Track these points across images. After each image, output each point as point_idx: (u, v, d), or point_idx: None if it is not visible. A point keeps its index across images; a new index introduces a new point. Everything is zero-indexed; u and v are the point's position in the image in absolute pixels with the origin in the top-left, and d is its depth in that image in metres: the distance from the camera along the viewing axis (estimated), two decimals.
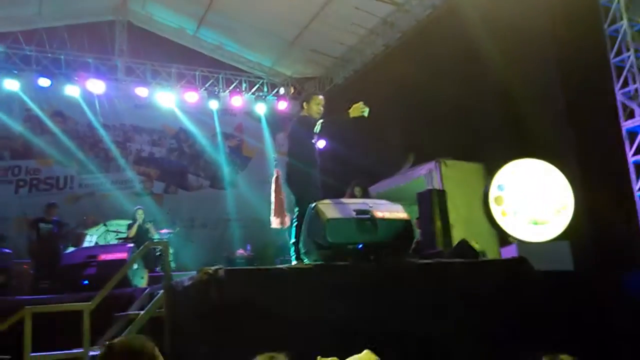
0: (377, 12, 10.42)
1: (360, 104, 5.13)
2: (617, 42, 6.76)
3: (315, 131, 5.26)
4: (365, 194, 7.53)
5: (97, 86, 11.22)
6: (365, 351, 2.13)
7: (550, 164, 6.23)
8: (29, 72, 11.01)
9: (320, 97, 5.53)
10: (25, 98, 11.02)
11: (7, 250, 6.70)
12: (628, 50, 6.64)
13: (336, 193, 7.60)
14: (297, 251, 5.08)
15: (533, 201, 6.04)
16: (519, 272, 4.75)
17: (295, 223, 5.18)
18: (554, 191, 6.08)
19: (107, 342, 1.94)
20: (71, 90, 11.19)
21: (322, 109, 5.43)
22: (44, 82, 10.88)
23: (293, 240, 5.17)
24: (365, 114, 5.13)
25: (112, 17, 11.98)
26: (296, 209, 5.22)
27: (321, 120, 5.27)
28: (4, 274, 5.96)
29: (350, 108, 5.13)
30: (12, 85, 10.71)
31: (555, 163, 6.24)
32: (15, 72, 10.86)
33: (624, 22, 6.67)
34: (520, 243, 5.76)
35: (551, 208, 6.00)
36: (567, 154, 6.87)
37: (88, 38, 11.62)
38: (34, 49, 11.09)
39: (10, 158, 10.98)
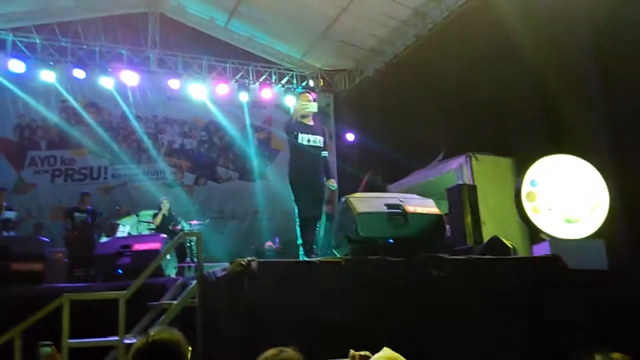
0: (409, 3, 10.31)
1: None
2: None
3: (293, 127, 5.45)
4: (383, 185, 7.56)
5: (130, 78, 11.37)
6: (385, 349, 2.08)
7: (584, 160, 6.09)
8: (64, 63, 11.21)
9: (304, 94, 5.75)
10: (61, 89, 11.23)
11: (45, 239, 6.87)
12: None
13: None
14: (306, 249, 5.23)
15: (566, 198, 5.92)
16: (554, 269, 4.69)
17: (297, 223, 5.30)
18: (587, 188, 5.95)
19: (148, 336, 1.97)
20: (105, 82, 11.36)
21: (306, 103, 5.51)
22: (79, 73, 11.04)
23: (300, 241, 5.29)
24: (310, 109, 5.43)
25: (145, 9, 12.14)
26: (295, 209, 5.34)
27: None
28: (42, 262, 6.10)
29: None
30: (48, 76, 10.91)
31: (590, 159, 6.10)
32: (52, 63, 11.06)
33: None
34: (553, 240, 5.65)
35: (585, 206, 5.87)
36: (601, 150, 6.71)
37: (121, 30, 11.79)
38: (69, 41, 11.28)
39: (47, 148, 11.26)
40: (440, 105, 9.57)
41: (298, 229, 5.28)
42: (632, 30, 6.61)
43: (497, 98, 8.37)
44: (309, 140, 5.40)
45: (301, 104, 5.48)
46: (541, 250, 5.63)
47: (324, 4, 10.70)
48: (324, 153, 5.55)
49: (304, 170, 5.36)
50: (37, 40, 11.03)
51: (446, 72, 9.32)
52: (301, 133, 5.38)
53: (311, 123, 5.52)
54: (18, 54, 10.76)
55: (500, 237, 5.76)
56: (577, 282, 4.53)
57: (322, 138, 5.52)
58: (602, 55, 7.05)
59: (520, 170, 7.13)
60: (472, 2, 9.44)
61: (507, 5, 8.14)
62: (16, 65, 10.57)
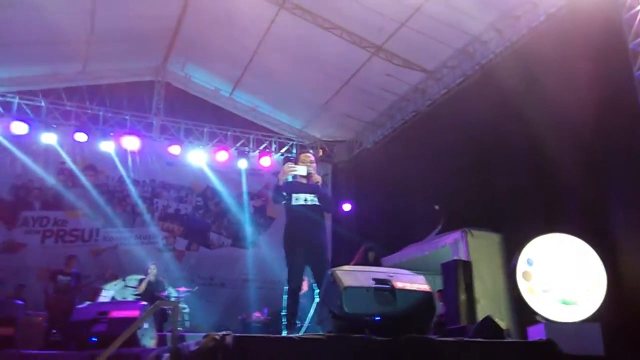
0: (408, 80, 10.53)
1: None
2: None
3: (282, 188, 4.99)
4: (378, 261, 7.36)
5: (131, 143, 11.42)
6: None
7: (582, 241, 5.93)
8: (67, 126, 11.30)
9: (305, 153, 5.28)
10: (61, 151, 11.28)
11: (19, 302, 6.62)
12: None
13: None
14: (289, 321, 4.82)
15: (563, 279, 5.72)
16: (549, 356, 4.42)
17: (285, 291, 4.90)
18: (584, 269, 5.76)
19: None
20: (106, 146, 11.44)
21: (294, 166, 5.04)
22: (80, 137, 11.10)
23: (283, 312, 4.86)
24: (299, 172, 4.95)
25: (152, 77, 12.44)
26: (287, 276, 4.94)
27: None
28: (12, 326, 5.82)
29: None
30: (49, 138, 10.98)
31: (588, 240, 5.94)
32: (54, 126, 11.15)
33: None
34: (548, 323, 5.41)
35: (581, 287, 5.66)
36: (601, 231, 6.54)
37: (127, 96, 12.01)
38: (74, 105, 11.46)
39: (40, 208, 11.16)
40: (438, 179, 9.52)
41: (285, 297, 4.93)
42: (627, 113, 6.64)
43: (493, 173, 8.33)
44: (305, 200, 4.93)
45: (289, 166, 4.98)
46: (536, 332, 5.37)
47: (327, 77, 10.94)
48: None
49: (298, 235, 4.88)
50: (43, 104, 11.18)
51: (443, 146, 9.35)
52: (295, 193, 4.94)
53: (305, 182, 5.03)
54: (22, 117, 10.83)
55: (494, 317, 5.52)
56: None
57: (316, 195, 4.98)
58: (601, 137, 7.00)
59: (511, 247, 6.97)
60: (469, 80, 9.62)
61: (505, 83, 8.25)
62: (19, 128, 10.59)
